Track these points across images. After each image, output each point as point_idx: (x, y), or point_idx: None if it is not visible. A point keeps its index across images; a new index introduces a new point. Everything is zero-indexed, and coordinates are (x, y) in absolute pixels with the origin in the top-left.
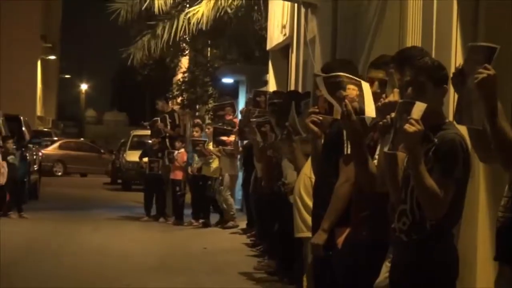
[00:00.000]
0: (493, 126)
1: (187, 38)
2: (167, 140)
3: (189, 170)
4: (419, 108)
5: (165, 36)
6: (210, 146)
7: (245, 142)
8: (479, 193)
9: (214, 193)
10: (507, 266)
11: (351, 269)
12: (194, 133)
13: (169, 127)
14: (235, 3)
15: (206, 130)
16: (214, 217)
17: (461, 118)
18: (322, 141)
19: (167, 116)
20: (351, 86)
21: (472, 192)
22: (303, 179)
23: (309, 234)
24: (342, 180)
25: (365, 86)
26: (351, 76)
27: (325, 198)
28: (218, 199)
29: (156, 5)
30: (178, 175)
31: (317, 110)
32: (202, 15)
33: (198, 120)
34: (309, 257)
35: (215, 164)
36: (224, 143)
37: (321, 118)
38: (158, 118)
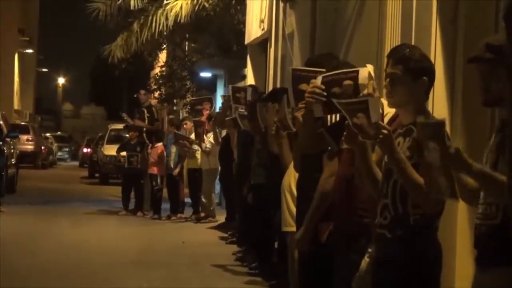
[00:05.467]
0: (481, 182)
1: (164, 33)
2: (144, 134)
3: (175, 172)
4: (375, 105)
5: (144, 32)
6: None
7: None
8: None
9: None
10: (492, 267)
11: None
12: (170, 128)
13: (147, 121)
14: None
15: (184, 125)
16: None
17: (431, 190)
18: None
19: (145, 110)
20: (347, 82)
21: None
22: (293, 173)
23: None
24: (326, 175)
25: (362, 73)
26: (347, 70)
27: (310, 193)
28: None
29: (132, 4)
30: (154, 169)
31: None
32: (181, 8)
33: (171, 117)
34: (296, 251)
35: (198, 156)
36: (200, 136)
37: None
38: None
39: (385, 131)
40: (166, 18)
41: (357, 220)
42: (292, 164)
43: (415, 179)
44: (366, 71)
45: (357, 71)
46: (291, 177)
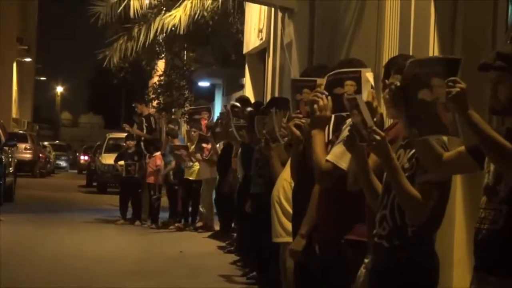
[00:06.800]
0: (478, 133)
1: (162, 42)
2: (142, 143)
3: (164, 171)
4: (364, 105)
5: (142, 38)
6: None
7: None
8: (456, 200)
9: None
10: (492, 276)
11: (328, 270)
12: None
13: (145, 131)
14: (212, 6)
15: (192, 133)
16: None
17: (422, 129)
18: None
19: (143, 119)
20: (349, 82)
21: (449, 197)
22: (282, 184)
23: (288, 239)
24: (317, 187)
25: (364, 75)
26: (349, 70)
27: (305, 204)
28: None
29: (132, 8)
30: (152, 179)
31: (300, 116)
32: (180, 20)
33: (171, 126)
34: (288, 262)
35: (196, 167)
36: (202, 150)
37: (303, 121)
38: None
39: (378, 137)
40: (162, 29)
41: (335, 233)
42: (281, 176)
43: (408, 189)
44: (369, 72)
45: (359, 72)
46: (280, 189)
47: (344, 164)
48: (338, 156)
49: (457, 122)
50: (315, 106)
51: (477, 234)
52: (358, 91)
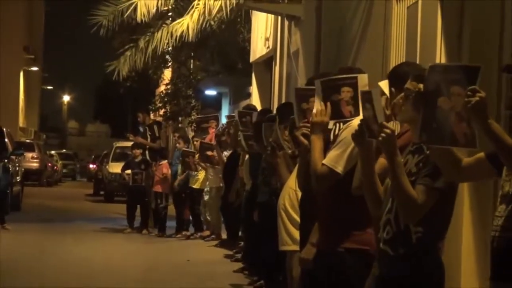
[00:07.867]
0: (496, 142)
1: (170, 51)
2: (147, 152)
3: (175, 183)
4: (377, 97)
5: (150, 49)
6: (196, 157)
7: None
8: (463, 208)
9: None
10: (510, 284)
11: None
12: (178, 144)
13: (149, 139)
14: (219, 15)
15: (195, 142)
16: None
17: (431, 138)
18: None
19: (147, 128)
20: (345, 88)
21: (456, 206)
22: (288, 192)
23: (294, 247)
24: None
25: (361, 79)
26: (345, 76)
27: (312, 211)
28: (203, 212)
29: (139, 15)
30: (159, 187)
31: (308, 125)
32: (187, 27)
33: (176, 134)
34: (295, 270)
35: (201, 176)
36: (209, 159)
37: None
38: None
39: (388, 131)
40: (171, 36)
41: (334, 239)
42: (287, 184)
43: (407, 188)
44: (365, 77)
45: (356, 77)
46: (285, 197)
47: (340, 167)
48: (334, 160)
49: (475, 131)
50: (314, 112)
51: (493, 241)
52: (355, 97)
